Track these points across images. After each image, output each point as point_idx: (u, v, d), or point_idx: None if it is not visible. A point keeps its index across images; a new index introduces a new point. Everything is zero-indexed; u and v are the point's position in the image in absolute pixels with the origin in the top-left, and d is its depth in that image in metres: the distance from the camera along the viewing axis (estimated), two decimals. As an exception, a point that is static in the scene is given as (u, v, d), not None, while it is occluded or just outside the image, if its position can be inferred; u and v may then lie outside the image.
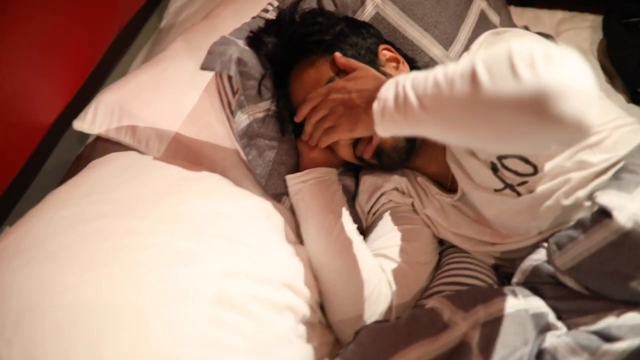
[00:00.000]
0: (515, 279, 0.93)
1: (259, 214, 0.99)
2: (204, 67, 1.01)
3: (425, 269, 1.04)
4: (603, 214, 0.80)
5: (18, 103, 1.00)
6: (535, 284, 0.90)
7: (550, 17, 1.65)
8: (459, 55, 1.26)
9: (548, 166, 0.92)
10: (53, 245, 0.82)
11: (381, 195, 1.13)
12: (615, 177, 0.86)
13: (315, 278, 1.00)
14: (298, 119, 1.03)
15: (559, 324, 0.86)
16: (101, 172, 1.01)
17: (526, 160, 0.92)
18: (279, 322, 0.86)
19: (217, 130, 1.13)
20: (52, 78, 1.09)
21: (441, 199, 1.08)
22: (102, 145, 1.21)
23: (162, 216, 0.89)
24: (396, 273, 1.00)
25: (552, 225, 0.94)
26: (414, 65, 1.17)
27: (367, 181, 1.16)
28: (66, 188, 0.98)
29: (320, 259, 1.00)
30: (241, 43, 1.08)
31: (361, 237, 1.05)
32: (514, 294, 0.89)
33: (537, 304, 0.88)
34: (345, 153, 1.08)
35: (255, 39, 1.10)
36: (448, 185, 1.10)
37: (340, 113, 0.92)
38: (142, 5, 1.46)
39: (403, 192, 1.13)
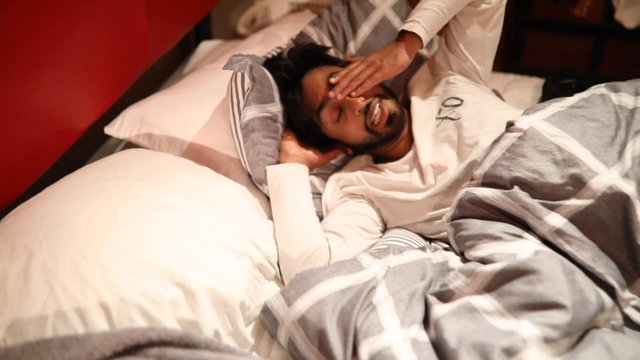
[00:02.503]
0: (449, 214, 1.19)
1: (235, 192, 1.29)
2: (225, 67, 1.34)
3: (364, 243, 1.32)
4: (509, 125, 1.16)
5: (56, 111, 1.28)
6: (464, 217, 1.15)
7: (502, 79, 1.98)
8: None
9: (471, 98, 1.37)
10: (75, 192, 1.15)
11: (342, 188, 1.42)
12: (524, 111, 1.21)
13: (275, 244, 1.27)
14: (335, 79, 1.35)
15: (458, 265, 1.11)
16: (121, 156, 1.35)
17: (456, 98, 1.40)
18: (237, 262, 1.12)
19: (216, 136, 1.46)
20: (91, 92, 1.42)
21: (399, 165, 1.40)
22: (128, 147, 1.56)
23: (156, 181, 1.20)
24: (337, 243, 1.28)
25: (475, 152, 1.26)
26: None
27: (332, 178, 1.46)
28: (97, 163, 1.31)
29: (281, 224, 1.29)
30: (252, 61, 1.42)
31: (317, 217, 1.34)
32: (423, 250, 1.17)
33: (441, 256, 1.15)
34: (357, 127, 1.37)
35: (274, 59, 1.51)
36: (403, 154, 1.42)
37: (378, 63, 1.33)
38: (171, 58, 1.83)
39: (358, 183, 1.40)
